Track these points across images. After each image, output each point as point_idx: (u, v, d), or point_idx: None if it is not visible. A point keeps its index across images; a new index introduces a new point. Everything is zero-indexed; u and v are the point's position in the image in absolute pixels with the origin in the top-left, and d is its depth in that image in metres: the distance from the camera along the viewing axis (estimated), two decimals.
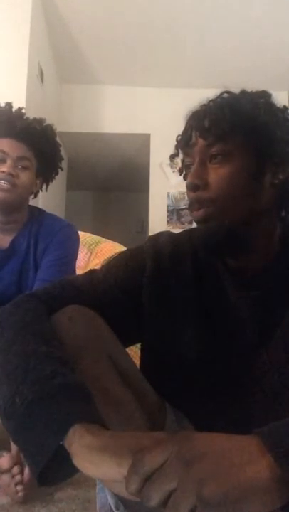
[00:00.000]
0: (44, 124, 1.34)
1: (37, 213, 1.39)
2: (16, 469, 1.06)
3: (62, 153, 1.45)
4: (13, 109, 1.32)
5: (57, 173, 1.43)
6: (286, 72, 3.56)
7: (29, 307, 0.68)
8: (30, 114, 1.38)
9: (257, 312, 0.69)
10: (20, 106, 1.36)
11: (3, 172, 1.22)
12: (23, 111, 1.33)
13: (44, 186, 1.42)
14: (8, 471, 1.07)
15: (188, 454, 0.39)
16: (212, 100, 0.70)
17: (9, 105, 1.32)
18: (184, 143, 0.71)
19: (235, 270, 0.72)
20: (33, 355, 0.56)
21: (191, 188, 0.68)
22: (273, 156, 0.67)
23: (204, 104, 0.71)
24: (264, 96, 0.71)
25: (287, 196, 0.70)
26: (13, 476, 1.07)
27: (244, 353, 0.69)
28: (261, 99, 0.70)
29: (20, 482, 1.06)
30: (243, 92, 0.72)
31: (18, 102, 2.39)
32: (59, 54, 3.42)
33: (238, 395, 0.68)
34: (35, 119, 1.33)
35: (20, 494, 1.06)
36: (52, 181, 1.44)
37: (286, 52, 3.32)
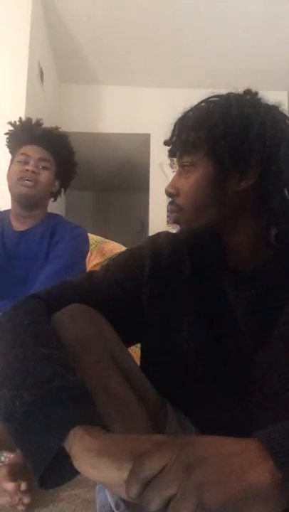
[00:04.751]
0: (60, 131, 1.55)
1: (54, 215, 1.58)
2: (24, 486, 1.05)
3: None
4: (33, 120, 1.53)
5: (73, 178, 1.63)
6: (286, 72, 3.56)
7: (28, 309, 0.68)
8: (30, 114, 1.44)
9: (255, 311, 0.69)
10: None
11: (27, 170, 1.43)
12: (41, 121, 1.53)
13: (63, 191, 1.61)
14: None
15: (188, 459, 0.39)
16: (185, 112, 0.74)
17: (29, 118, 1.55)
18: (169, 154, 0.76)
19: (234, 269, 0.73)
20: (33, 357, 0.56)
21: (167, 195, 0.75)
22: (237, 164, 0.68)
23: (179, 117, 0.75)
24: (239, 99, 0.71)
25: (257, 203, 0.70)
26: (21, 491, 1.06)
27: (243, 353, 0.69)
28: (234, 104, 0.69)
29: (24, 504, 1.06)
30: (221, 97, 0.72)
31: (18, 101, 2.42)
32: (59, 54, 3.42)
33: (238, 395, 0.68)
34: (52, 127, 1.55)
35: (25, 502, 1.06)
36: (69, 186, 1.63)
37: (286, 52, 3.32)
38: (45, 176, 1.46)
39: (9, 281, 1.38)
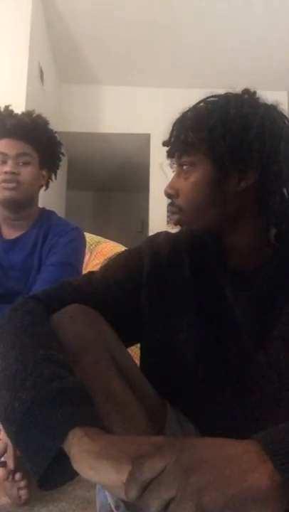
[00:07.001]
0: (34, 116, 1.36)
1: (47, 213, 1.44)
2: (18, 476, 1.05)
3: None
4: (1, 109, 1.34)
5: (60, 160, 1.46)
6: (286, 72, 3.55)
7: (27, 310, 0.68)
8: None
9: (255, 311, 0.69)
10: (20, 106, 1.39)
11: (6, 173, 1.27)
12: (11, 108, 1.34)
13: (53, 176, 1.47)
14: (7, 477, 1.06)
15: (187, 462, 0.39)
16: (183, 112, 0.73)
17: None
18: (168, 154, 0.76)
19: (233, 269, 0.73)
20: (32, 358, 0.56)
21: (166, 196, 0.74)
22: (237, 164, 0.67)
23: (177, 118, 0.74)
24: (238, 99, 0.70)
25: (257, 203, 0.70)
26: (16, 481, 1.06)
27: (243, 353, 0.69)
28: (233, 104, 0.69)
29: (25, 487, 1.05)
30: (220, 97, 0.72)
31: (18, 102, 2.42)
32: (59, 54, 3.41)
33: (238, 395, 0.68)
34: (23, 113, 1.36)
35: (23, 498, 1.06)
36: (58, 169, 1.47)
37: (286, 52, 3.32)
38: (27, 173, 1.30)
39: (4, 293, 1.30)
